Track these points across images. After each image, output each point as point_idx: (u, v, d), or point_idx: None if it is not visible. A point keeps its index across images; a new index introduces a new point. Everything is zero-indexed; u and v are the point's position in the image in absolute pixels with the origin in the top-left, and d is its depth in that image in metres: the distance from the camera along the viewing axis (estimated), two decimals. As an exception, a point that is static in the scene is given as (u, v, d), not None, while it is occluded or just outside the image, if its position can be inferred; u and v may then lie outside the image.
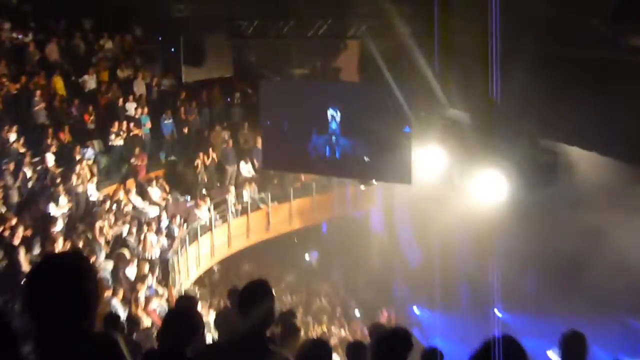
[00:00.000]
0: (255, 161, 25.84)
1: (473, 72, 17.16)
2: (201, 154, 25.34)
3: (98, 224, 19.04)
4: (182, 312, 5.30)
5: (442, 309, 24.56)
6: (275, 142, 22.23)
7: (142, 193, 23.10)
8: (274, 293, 5.28)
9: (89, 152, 22.91)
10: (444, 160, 19.59)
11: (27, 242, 16.05)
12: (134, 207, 22.11)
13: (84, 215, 20.24)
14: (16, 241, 14.99)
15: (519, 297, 21.17)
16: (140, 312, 15.77)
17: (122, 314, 14.10)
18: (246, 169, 25.98)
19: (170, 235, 21.43)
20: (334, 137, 20.92)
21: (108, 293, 15.94)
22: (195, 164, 25.15)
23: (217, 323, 10.05)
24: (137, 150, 23.99)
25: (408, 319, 25.08)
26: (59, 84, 24.57)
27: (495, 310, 21.55)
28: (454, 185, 19.81)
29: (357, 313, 26.81)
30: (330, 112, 20.78)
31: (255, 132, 25.56)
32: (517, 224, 19.17)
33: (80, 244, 17.97)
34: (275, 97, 22.40)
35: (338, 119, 20.76)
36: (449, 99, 18.19)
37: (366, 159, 20.47)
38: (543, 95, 15.46)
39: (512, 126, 16.80)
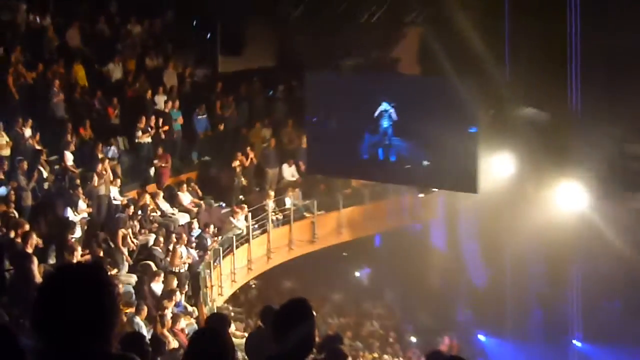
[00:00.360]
0: (299, 164, 25.86)
1: (550, 65, 17.08)
2: (239, 155, 25.37)
3: (121, 232, 19.27)
4: (211, 333, 5.33)
5: (511, 337, 24.39)
6: (323, 142, 22.30)
7: (171, 198, 23.21)
8: (314, 314, 5.26)
9: (113, 151, 23.12)
10: (516, 165, 19.50)
11: (41, 251, 16.24)
12: (162, 214, 22.26)
13: (106, 221, 20.47)
14: (29, 249, 15.16)
15: (601, 324, 20.94)
16: (166, 332, 15.91)
17: (146, 334, 14.22)
18: (289, 172, 26.03)
19: (202, 246, 21.57)
20: (386, 137, 20.84)
21: (130, 310, 16.13)
22: (232, 166, 25.21)
23: (248, 347, 10.08)
24: (160, 150, 24.00)
25: (472, 348, 24.96)
26: (80, 73, 24.82)
27: (574, 340, 21.36)
28: (527, 194, 19.72)
29: (413, 339, 26.74)
30: (383, 106, 20.70)
31: (300, 130, 25.64)
32: (599, 240, 18.98)
33: (101, 254, 18.21)
34: (323, 91, 22.49)
35: (393, 115, 20.69)
36: (521, 95, 18.10)
37: (425, 163, 20.41)
38: (631, 94, 15.31)
39: (595, 128, 16.66)
